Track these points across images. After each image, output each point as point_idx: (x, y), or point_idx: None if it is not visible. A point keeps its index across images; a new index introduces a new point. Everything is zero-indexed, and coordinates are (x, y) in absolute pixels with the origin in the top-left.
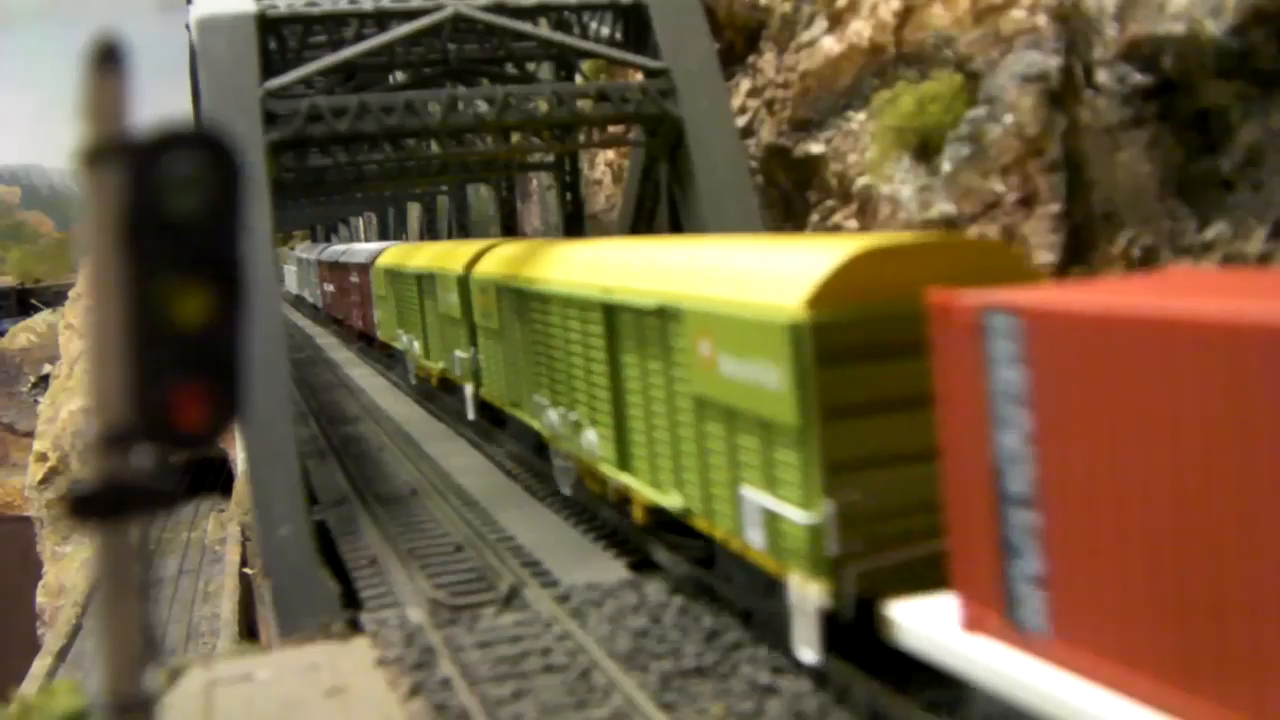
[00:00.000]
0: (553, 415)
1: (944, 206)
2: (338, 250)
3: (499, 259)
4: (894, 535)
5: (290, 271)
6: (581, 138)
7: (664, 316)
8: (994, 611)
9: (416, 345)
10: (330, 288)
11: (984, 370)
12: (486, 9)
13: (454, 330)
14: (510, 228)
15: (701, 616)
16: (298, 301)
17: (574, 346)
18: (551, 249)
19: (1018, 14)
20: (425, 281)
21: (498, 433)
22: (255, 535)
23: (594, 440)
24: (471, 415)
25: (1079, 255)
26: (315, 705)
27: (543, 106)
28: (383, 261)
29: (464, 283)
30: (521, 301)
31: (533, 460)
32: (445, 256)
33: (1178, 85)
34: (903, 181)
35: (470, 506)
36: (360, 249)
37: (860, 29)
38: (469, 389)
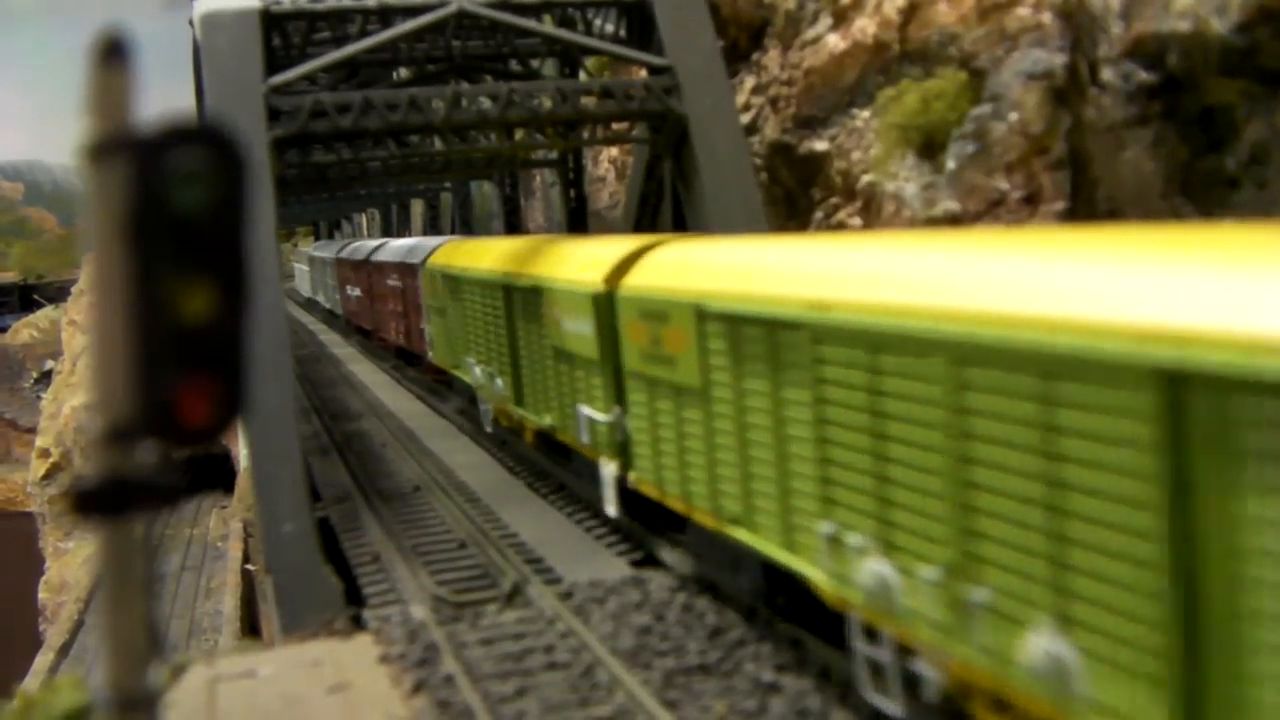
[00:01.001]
0: (882, 570)
1: (948, 204)
2: (365, 246)
3: (678, 268)
4: None
5: (301, 272)
6: (585, 134)
7: None
8: None
9: (500, 383)
10: (355, 292)
11: None
12: (490, 5)
13: (578, 374)
14: (514, 225)
15: (705, 614)
16: (309, 305)
17: (998, 451)
18: (845, 248)
19: (1023, 11)
20: (521, 295)
21: (654, 540)
22: (258, 532)
23: (1068, 661)
24: (613, 510)
25: None
26: (318, 702)
27: (546, 103)
28: (440, 262)
29: (604, 304)
30: (788, 346)
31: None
32: (560, 261)
33: (1183, 83)
34: (907, 179)
35: (473, 503)
36: (401, 245)
37: (865, 26)
38: (608, 469)
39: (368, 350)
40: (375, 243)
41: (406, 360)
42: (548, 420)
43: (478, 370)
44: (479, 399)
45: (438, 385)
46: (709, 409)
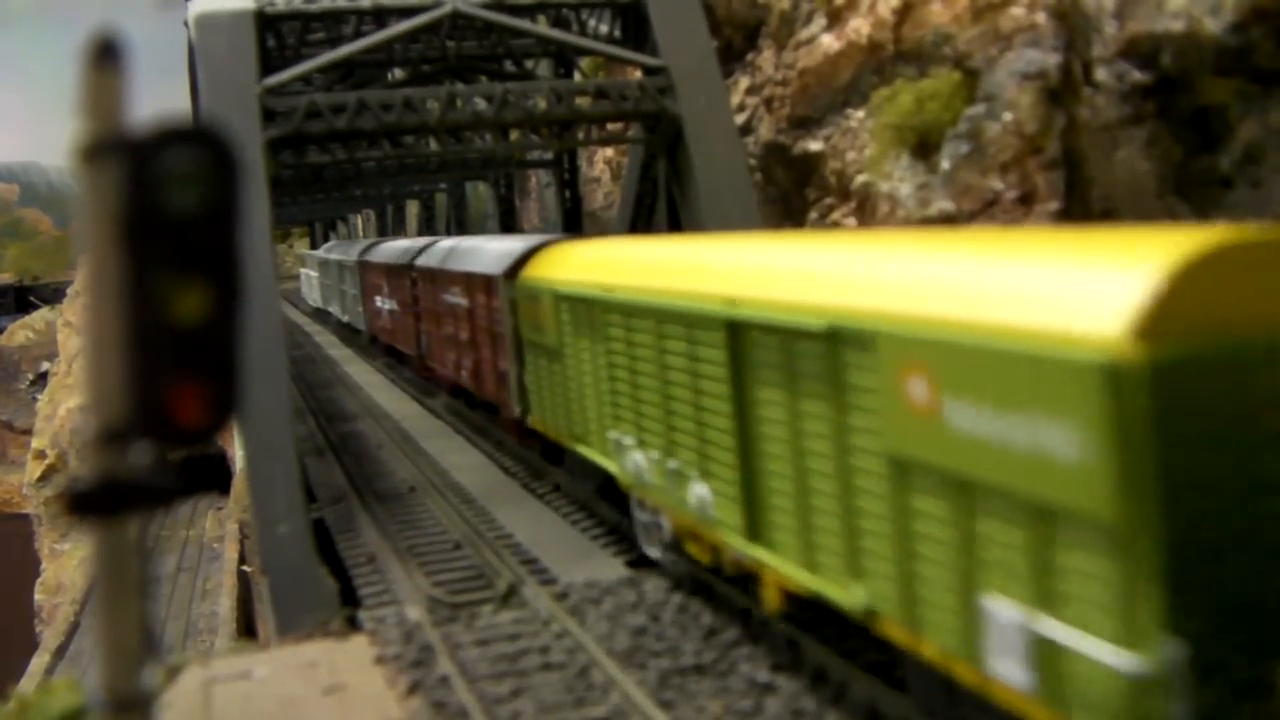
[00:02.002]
0: None
1: (943, 204)
2: (403, 247)
3: None
4: None
5: (308, 277)
6: (580, 135)
7: None
8: None
9: (701, 492)
10: (388, 305)
11: None
12: (485, 6)
13: (1005, 534)
14: (509, 225)
15: (700, 614)
16: (318, 315)
17: None
18: None
19: (1017, 11)
20: (785, 344)
21: None
22: (254, 533)
23: None
24: None
25: None
26: (313, 703)
27: (541, 104)
28: (547, 274)
29: (1163, 392)
30: None
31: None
32: (930, 284)
33: (1177, 83)
34: (901, 179)
35: (468, 504)
36: (465, 247)
37: (859, 26)
38: None
39: (396, 373)
40: (418, 242)
41: (469, 403)
42: (859, 596)
43: (638, 457)
44: (634, 503)
45: (526, 451)
46: None
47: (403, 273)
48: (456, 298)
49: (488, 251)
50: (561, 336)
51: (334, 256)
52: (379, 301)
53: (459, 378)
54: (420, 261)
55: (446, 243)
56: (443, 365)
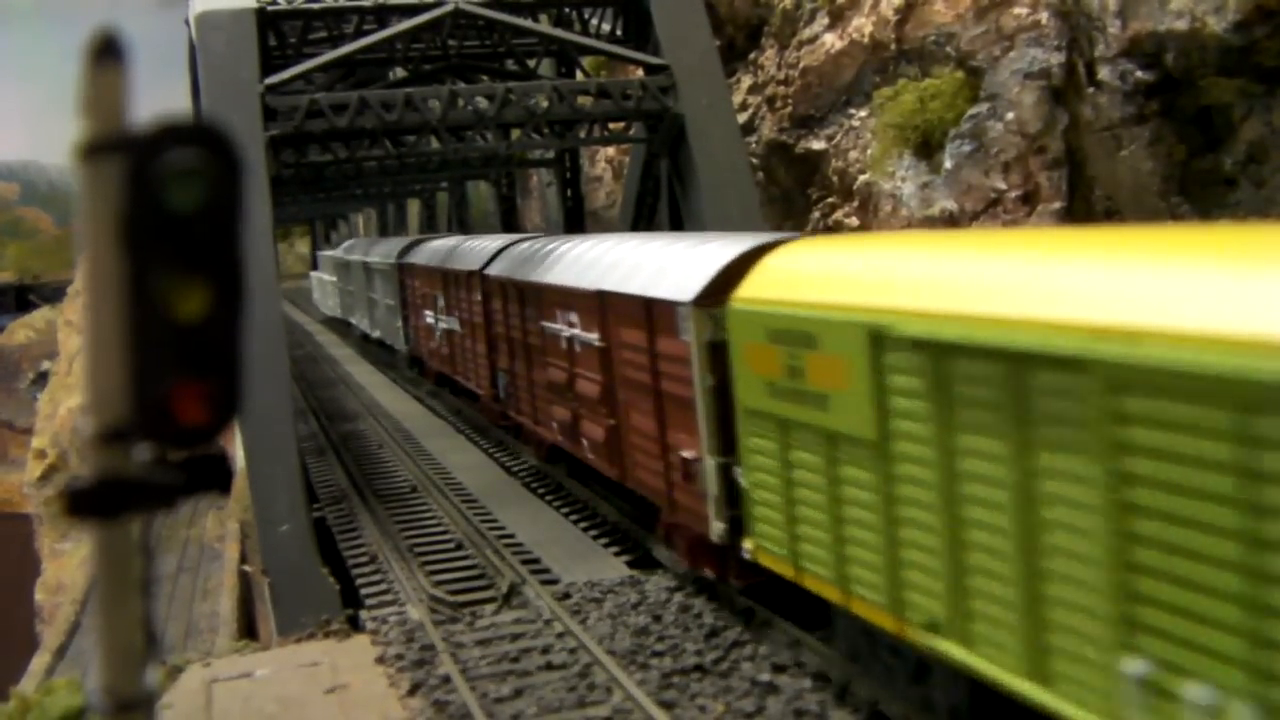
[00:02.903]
0: None
1: (945, 203)
2: (462, 248)
3: None
4: None
5: (323, 282)
6: (582, 134)
7: None
8: None
9: None
10: (445, 324)
11: None
12: (487, 4)
13: None
14: (511, 224)
15: (702, 614)
16: (331, 324)
17: None
18: None
19: (1020, 10)
20: None
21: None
22: (255, 532)
23: None
24: None
25: None
26: (315, 703)
27: (543, 103)
28: (843, 300)
29: None
30: None
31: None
32: None
33: (1180, 82)
34: (904, 178)
35: (470, 503)
36: (576, 253)
37: (861, 25)
38: None
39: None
40: (490, 242)
41: (572, 470)
42: None
43: None
44: None
45: (726, 588)
46: None
47: (468, 283)
48: (574, 329)
49: (634, 262)
50: (888, 420)
51: (360, 258)
52: (429, 318)
53: (578, 450)
54: (496, 271)
55: (535, 245)
56: (541, 424)
